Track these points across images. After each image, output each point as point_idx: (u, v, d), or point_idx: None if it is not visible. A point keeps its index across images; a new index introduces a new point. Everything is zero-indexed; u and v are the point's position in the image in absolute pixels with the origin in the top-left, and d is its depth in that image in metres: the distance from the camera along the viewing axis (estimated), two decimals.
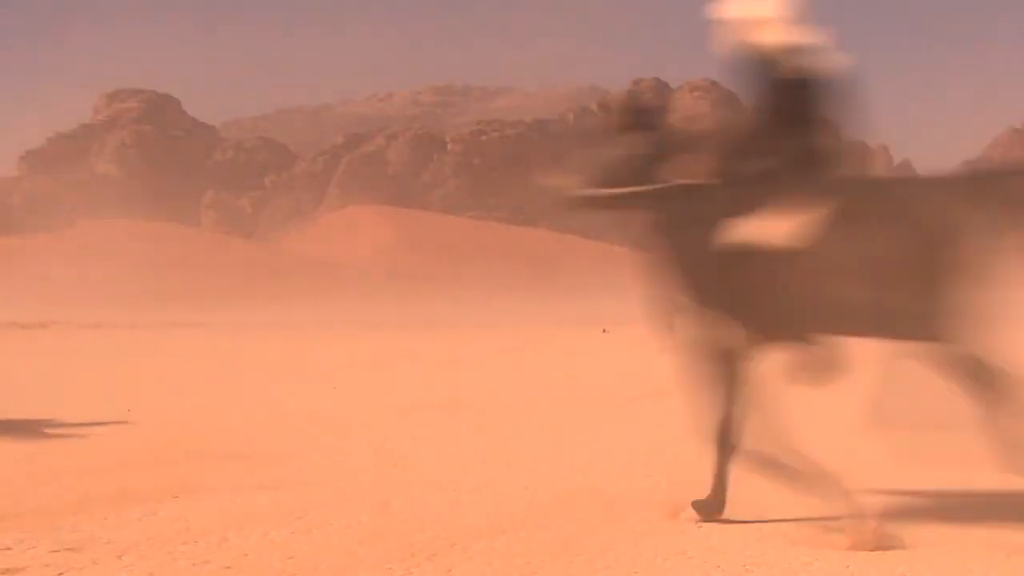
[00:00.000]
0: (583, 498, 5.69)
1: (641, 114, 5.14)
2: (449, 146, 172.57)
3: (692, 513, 5.06)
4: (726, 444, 5.03)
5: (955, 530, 4.97)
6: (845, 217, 4.65)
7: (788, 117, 4.80)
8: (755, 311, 4.82)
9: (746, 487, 5.90)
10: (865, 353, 5.07)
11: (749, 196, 4.75)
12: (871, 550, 4.54)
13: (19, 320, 37.01)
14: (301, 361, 18.74)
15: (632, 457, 7.15)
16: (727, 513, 5.18)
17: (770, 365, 4.97)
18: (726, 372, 4.94)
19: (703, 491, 5.22)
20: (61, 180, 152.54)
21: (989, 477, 5.10)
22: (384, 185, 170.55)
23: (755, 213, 4.73)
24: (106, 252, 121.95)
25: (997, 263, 4.60)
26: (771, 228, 4.69)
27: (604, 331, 33.71)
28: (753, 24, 4.85)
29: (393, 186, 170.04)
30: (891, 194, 4.88)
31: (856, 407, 7.65)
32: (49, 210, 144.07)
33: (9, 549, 4.51)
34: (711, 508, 5.06)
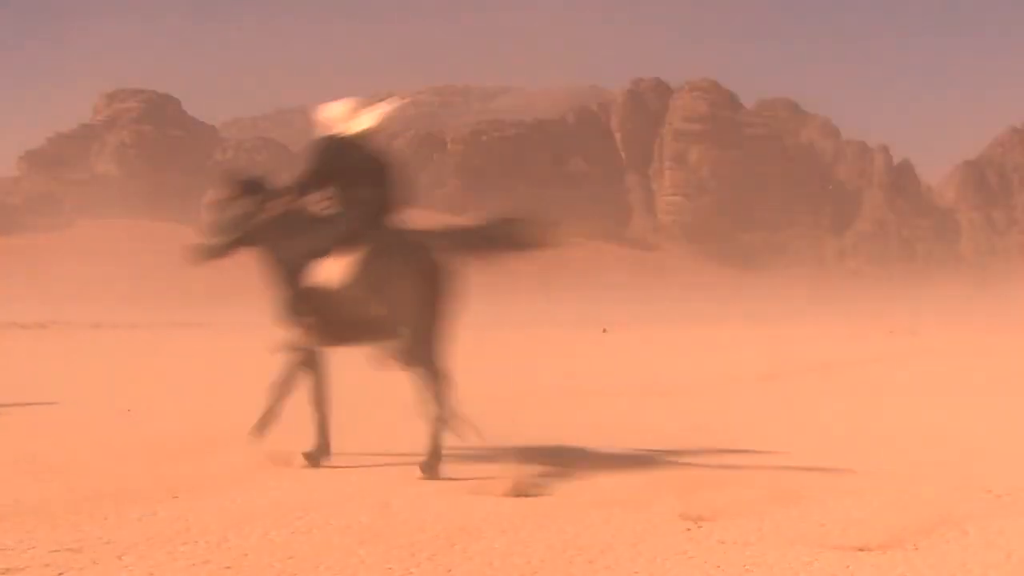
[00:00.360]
0: (583, 498, 5.69)
1: (247, 183, 7.13)
2: (449, 146, 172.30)
3: (300, 460, 6.68)
4: (320, 406, 6.90)
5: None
6: (373, 256, 6.53)
7: (350, 178, 6.81)
8: (312, 322, 6.78)
9: (743, 489, 5.90)
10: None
11: (313, 237, 6.72)
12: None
13: (19, 320, 37.02)
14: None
15: (633, 456, 7.15)
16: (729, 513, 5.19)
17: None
18: (304, 358, 6.92)
19: (709, 491, 5.22)
20: (61, 180, 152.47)
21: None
22: None
23: (318, 252, 6.66)
24: (106, 252, 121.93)
25: (469, 289, 6.70)
26: (323, 264, 6.63)
27: (604, 331, 33.73)
28: (336, 118, 7.01)
29: None
30: (408, 241, 6.72)
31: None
32: (49, 210, 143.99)
33: (9, 549, 4.51)
34: (317, 457, 6.78)
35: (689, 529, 4.99)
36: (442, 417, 6.45)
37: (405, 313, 6.48)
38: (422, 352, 6.47)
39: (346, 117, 7.00)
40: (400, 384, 7.03)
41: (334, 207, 6.82)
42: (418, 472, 6.28)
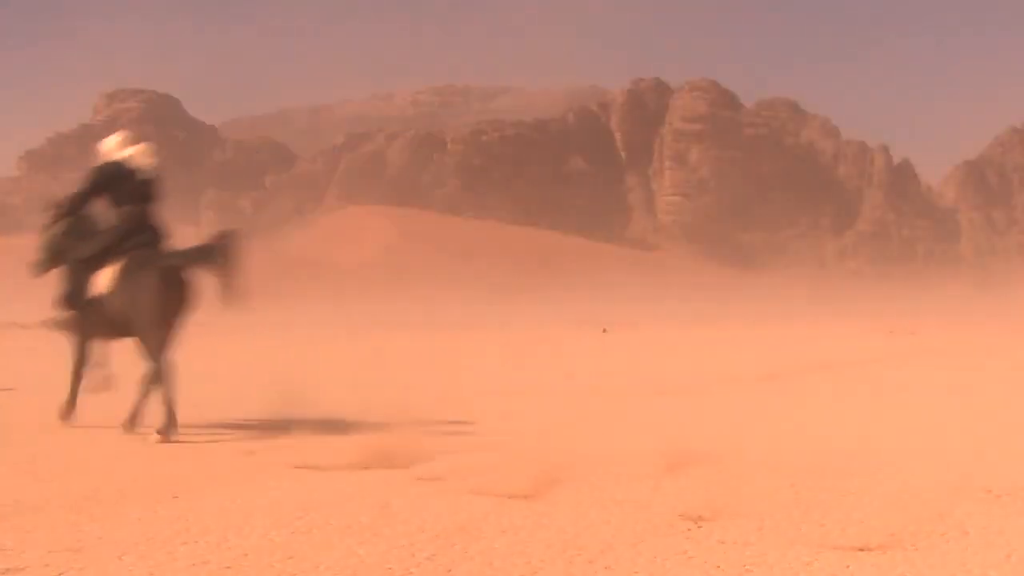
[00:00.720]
0: (583, 498, 5.69)
1: (61, 207, 8.71)
2: (449, 146, 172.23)
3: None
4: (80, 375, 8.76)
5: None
6: (128, 269, 8.20)
7: (121, 198, 8.47)
8: (84, 316, 8.51)
9: (743, 488, 5.90)
10: None
11: (87, 246, 8.42)
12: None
13: (19, 320, 36.98)
14: (298, 361, 18.74)
15: (632, 456, 7.15)
16: None
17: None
18: (80, 344, 8.73)
19: (709, 490, 5.21)
20: (61, 180, 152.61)
21: None
22: (384, 185, 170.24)
23: (91, 257, 8.37)
24: None
25: (221, 296, 8.34)
26: (97, 274, 8.35)
27: (604, 331, 33.73)
28: (110, 148, 8.69)
29: (393, 186, 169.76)
30: (155, 255, 8.32)
31: None
32: None
33: (9, 549, 4.51)
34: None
35: (689, 529, 4.99)
36: (169, 397, 8.18)
37: (148, 316, 8.20)
38: (155, 347, 8.31)
39: (118, 148, 8.63)
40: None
41: (106, 221, 8.49)
42: (156, 435, 7.85)
